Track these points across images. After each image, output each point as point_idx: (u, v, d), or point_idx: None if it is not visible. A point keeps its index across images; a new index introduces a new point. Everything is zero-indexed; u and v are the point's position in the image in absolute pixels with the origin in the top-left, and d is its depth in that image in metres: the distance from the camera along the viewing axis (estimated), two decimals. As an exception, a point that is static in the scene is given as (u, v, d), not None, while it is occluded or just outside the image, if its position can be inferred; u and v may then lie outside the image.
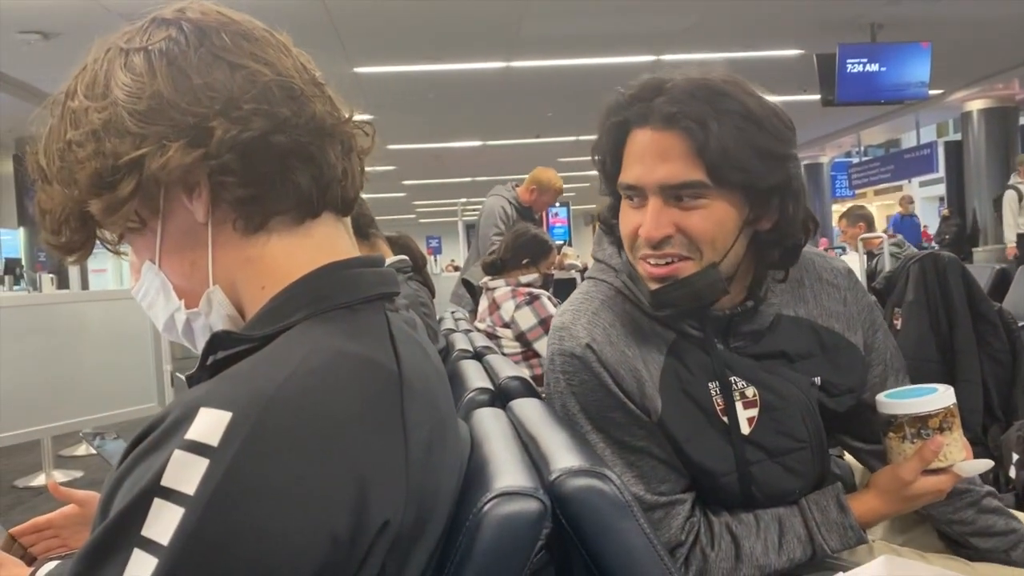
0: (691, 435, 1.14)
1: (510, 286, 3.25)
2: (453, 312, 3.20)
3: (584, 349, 1.12)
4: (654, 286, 1.11)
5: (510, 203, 4.95)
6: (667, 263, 1.10)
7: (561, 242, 8.50)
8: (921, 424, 1.12)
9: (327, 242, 0.78)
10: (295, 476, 0.60)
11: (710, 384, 1.15)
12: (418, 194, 19.49)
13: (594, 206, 25.01)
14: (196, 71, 0.72)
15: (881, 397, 1.17)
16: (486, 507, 0.70)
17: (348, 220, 1.49)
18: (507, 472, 0.75)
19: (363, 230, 2.20)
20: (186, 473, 0.58)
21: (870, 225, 5.27)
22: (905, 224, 11.73)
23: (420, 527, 0.69)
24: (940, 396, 1.13)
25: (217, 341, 0.73)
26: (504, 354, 3.14)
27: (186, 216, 0.75)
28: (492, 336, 3.19)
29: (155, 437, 0.62)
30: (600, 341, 1.12)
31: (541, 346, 3.16)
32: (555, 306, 3.26)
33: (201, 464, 0.59)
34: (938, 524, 1.34)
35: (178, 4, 0.77)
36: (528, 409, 1.12)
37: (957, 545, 1.33)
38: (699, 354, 1.16)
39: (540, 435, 0.93)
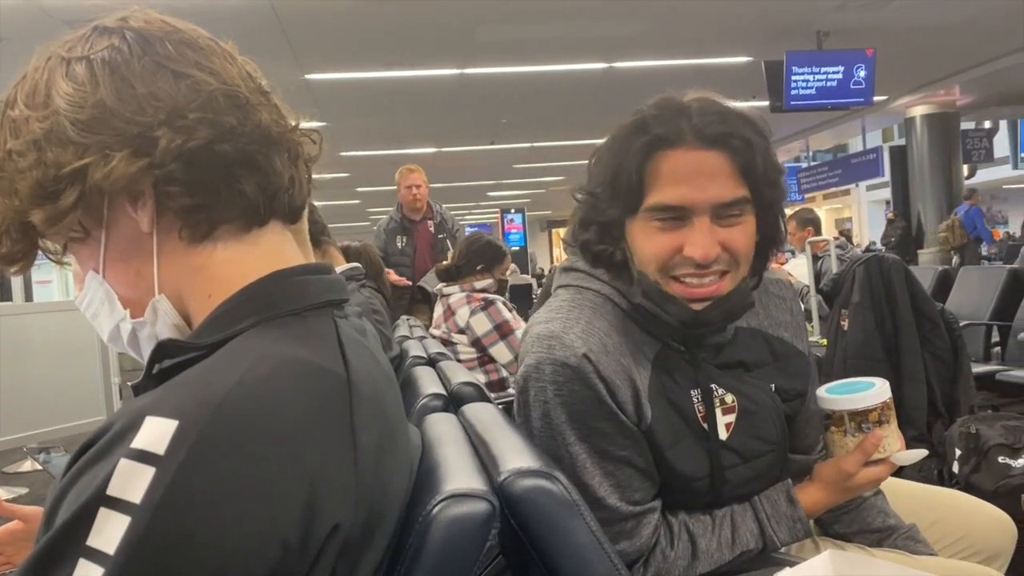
0: (674, 442, 1.17)
1: (465, 292, 3.26)
2: (408, 319, 3.20)
3: (580, 359, 1.11)
4: (697, 307, 1.14)
5: (391, 218, 5.07)
6: (710, 281, 1.13)
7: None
8: (861, 418, 1.17)
9: (274, 250, 0.78)
10: (243, 483, 0.60)
11: (692, 392, 1.19)
12: (373, 201, 19.37)
13: (549, 212, 25.13)
14: (140, 80, 0.72)
15: (821, 392, 1.22)
16: (435, 509, 0.70)
17: (304, 227, 1.49)
18: (457, 474, 0.76)
19: (315, 237, 2.19)
20: (132, 482, 0.58)
21: (817, 228, 5.37)
22: (972, 213, 11.85)
23: (370, 530, 0.69)
24: (878, 391, 1.18)
25: (163, 350, 0.72)
26: (460, 360, 3.15)
27: (130, 225, 0.74)
28: (447, 342, 3.20)
29: (100, 447, 0.62)
30: (597, 351, 1.12)
31: (496, 351, 3.17)
32: (510, 311, 3.28)
33: (147, 473, 0.58)
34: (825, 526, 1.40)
35: (121, 13, 0.77)
36: (480, 413, 1.12)
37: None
38: (681, 363, 1.20)
39: (491, 438, 0.94)
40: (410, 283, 4.76)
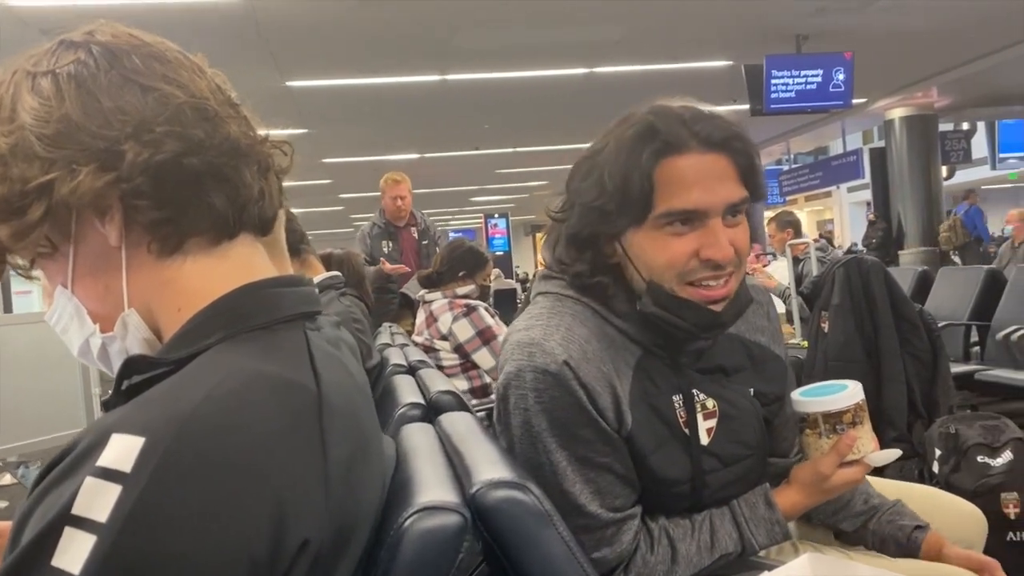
0: (656, 448, 1.17)
1: (447, 298, 3.27)
2: (390, 327, 3.20)
3: (561, 366, 1.11)
4: (716, 308, 1.15)
5: (373, 223, 5.07)
6: (725, 282, 1.15)
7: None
8: (835, 420, 1.19)
9: (244, 263, 0.78)
10: (210, 500, 0.60)
11: (674, 397, 1.19)
12: (356, 207, 19.33)
13: (533, 217, 25.14)
14: (106, 94, 0.72)
15: (795, 396, 1.23)
16: (407, 522, 0.70)
17: (280, 236, 1.48)
18: (429, 487, 0.76)
19: (293, 246, 2.17)
20: (98, 500, 0.58)
21: (797, 231, 5.40)
22: (972, 213, 11.99)
23: (342, 545, 0.69)
24: (851, 393, 1.20)
25: (131, 365, 0.72)
26: (442, 367, 3.15)
27: (98, 240, 0.74)
28: (430, 349, 3.20)
29: (66, 465, 0.61)
30: (577, 358, 1.12)
31: (479, 357, 3.17)
32: (493, 317, 3.28)
33: (113, 491, 0.58)
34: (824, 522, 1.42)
35: (88, 27, 0.77)
36: (457, 423, 1.12)
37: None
38: (663, 368, 1.20)
39: (465, 448, 0.94)
40: (409, 270, 4.75)
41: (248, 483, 0.62)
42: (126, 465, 0.59)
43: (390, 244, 5.06)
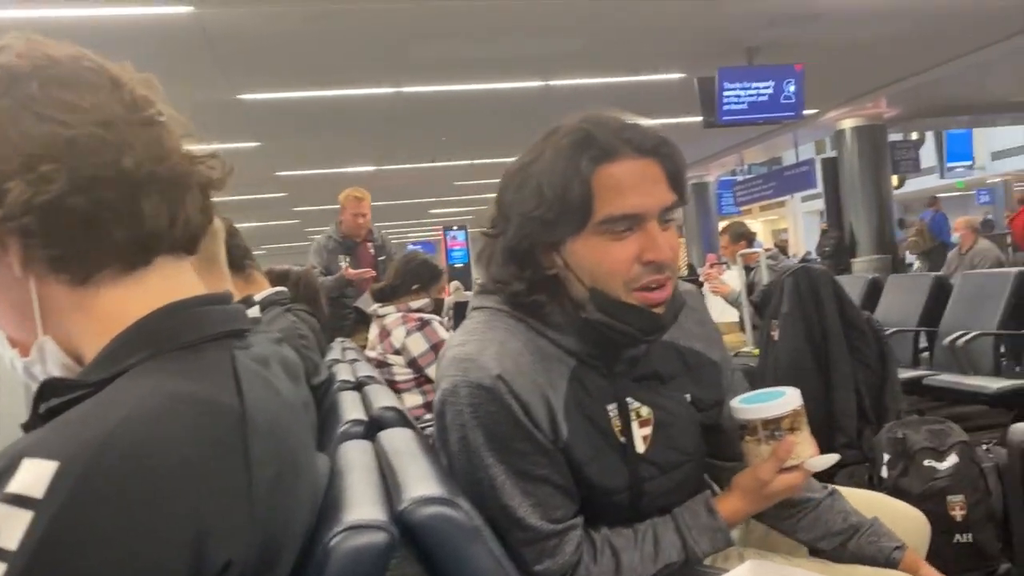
0: (592, 457, 1.18)
1: (400, 312, 3.25)
2: (342, 342, 3.17)
3: (495, 380, 1.11)
4: (658, 311, 1.17)
5: (329, 237, 5.03)
6: (666, 285, 1.17)
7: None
8: (773, 426, 1.20)
9: (166, 284, 0.76)
10: (126, 525, 0.59)
11: (608, 406, 1.20)
12: (312, 221, 19.16)
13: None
14: None
15: (735, 403, 1.25)
16: (334, 541, 0.70)
17: (217, 251, 1.45)
18: (358, 504, 0.75)
19: (237, 262, 2.13)
20: (8, 528, 0.56)
21: (750, 242, 5.48)
22: (938, 219, 12.22)
23: (268, 565, 0.68)
24: (789, 399, 1.21)
25: (48, 388, 0.71)
26: (396, 381, 3.13)
27: (6, 269, 0.73)
28: (383, 364, 3.17)
29: None
30: (511, 371, 1.13)
31: (433, 371, 3.16)
32: (447, 331, 3.27)
33: (24, 517, 0.57)
34: (786, 534, 1.41)
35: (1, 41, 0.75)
36: (396, 439, 1.12)
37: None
38: (597, 378, 1.21)
39: (399, 465, 0.93)
40: (374, 273, 4.71)
41: (166, 506, 0.61)
42: (38, 491, 0.57)
43: (347, 259, 5.02)
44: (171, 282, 0.77)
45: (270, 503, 0.68)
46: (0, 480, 0.59)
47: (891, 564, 1.31)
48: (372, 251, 5.06)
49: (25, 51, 0.74)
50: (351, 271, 4.72)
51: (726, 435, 1.35)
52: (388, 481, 0.88)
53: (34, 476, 0.58)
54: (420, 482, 0.84)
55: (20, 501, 0.57)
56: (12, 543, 0.56)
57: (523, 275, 1.18)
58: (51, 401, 0.71)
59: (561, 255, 1.17)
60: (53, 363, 0.75)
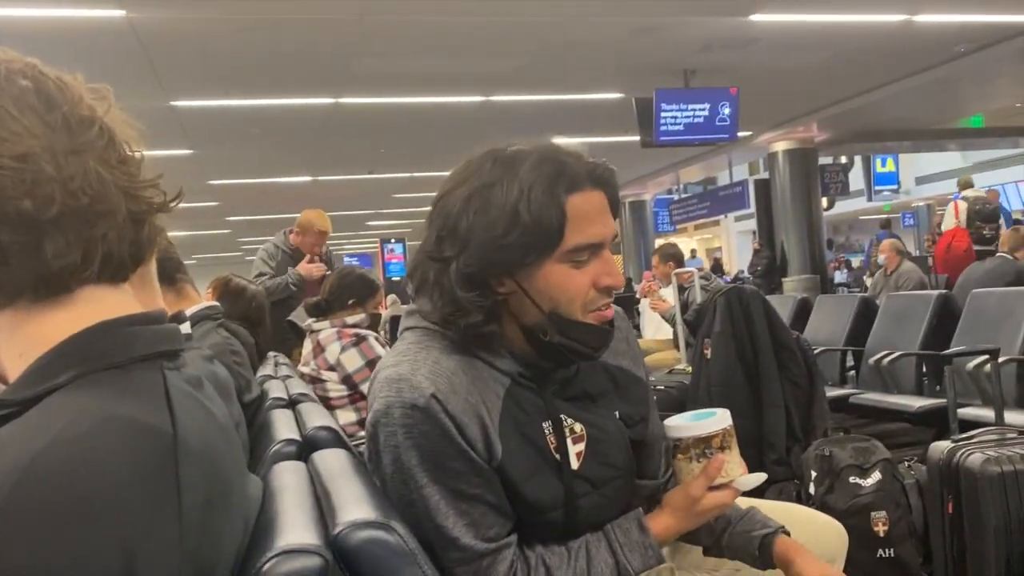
0: (528, 475, 1.18)
1: (335, 328, 3.20)
2: (275, 356, 3.12)
3: (428, 399, 1.11)
4: (608, 328, 1.23)
5: (278, 247, 4.99)
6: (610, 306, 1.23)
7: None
8: (705, 445, 1.24)
9: (92, 305, 0.74)
10: (53, 551, 0.57)
11: (543, 424, 1.21)
12: (244, 231, 18.85)
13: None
14: None
15: (668, 422, 1.27)
16: (266, 566, 0.69)
17: (151, 268, 1.42)
18: (292, 529, 0.74)
19: (168, 275, 2.07)
20: None
21: (679, 262, 5.58)
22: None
23: (199, 592, 0.67)
24: (719, 419, 1.25)
25: None
26: (329, 398, 3.09)
27: None
28: (317, 380, 3.13)
29: None
30: (444, 391, 1.12)
31: (368, 388, 3.12)
32: (384, 347, 3.24)
33: None
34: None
35: None
36: (330, 460, 1.10)
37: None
38: (531, 396, 1.22)
39: (334, 487, 0.92)
40: (329, 271, 4.70)
41: (94, 533, 0.59)
42: None
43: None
44: (98, 303, 0.74)
45: (201, 528, 0.67)
46: None
47: (764, 549, 1.32)
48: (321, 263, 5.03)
49: None
50: (305, 265, 4.71)
51: (647, 452, 1.38)
52: (322, 504, 0.87)
53: None
54: (354, 505, 0.83)
55: None
56: None
57: (482, 302, 1.16)
58: None
59: (516, 280, 1.18)
60: None
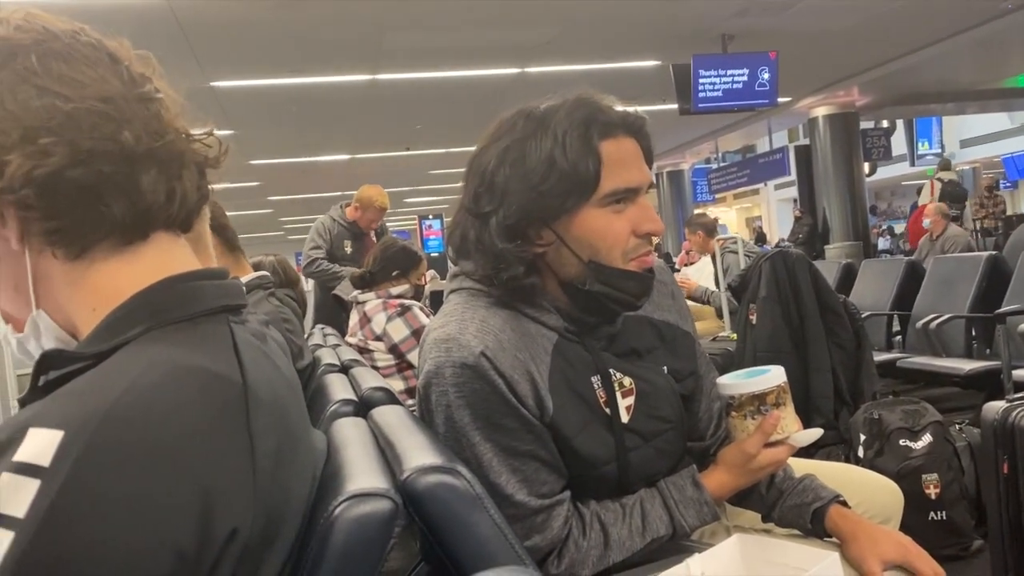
0: (580, 429, 1.19)
1: (380, 299, 3.23)
2: (322, 328, 3.16)
3: (478, 357, 1.12)
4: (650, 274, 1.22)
5: (335, 220, 5.02)
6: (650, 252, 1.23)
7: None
8: (759, 402, 1.23)
9: (161, 260, 0.76)
10: (133, 492, 0.59)
11: (592, 378, 1.22)
12: (285, 210, 19.04)
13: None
14: None
15: (722, 380, 1.27)
16: (337, 510, 0.70)
17: (204, 231, 1.44)
18: (359, 475, 0.75)
19: (232, 243, 2.19)
20: (15, 496, 0.56)
21: (709, 231, 5.51)
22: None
23: (271, 535, 0.69)
24: (774, 375, 1.24)
25: (47, 360, 0.70)
26: (377, 367, 3.12)
27: (2, 243, 0.72)
28: (364, 350, 3.16)
29: None
30: (493, 348, 1.13)
31: (414, 357, 3.15)
32: (428, 316, 3.26)
33: (31, 486, 0.57)
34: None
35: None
36: (388, 415, 1.12)
37: None
38: (579, 351, 1.22)
39: (396, 438, 0.94)
40: None
41: (172, 474, 0.61)
42: (44, 459, 0.57)
43: (351, 245, 5.04)
44: (167, 257, 0.77)
45: (272, 474, 0.68)
46: (6, 449, 0.59)
47: (816, 521, 1.28)
48: (374, 239, 5.07)
49: (24, 24, 0.73)
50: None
51: (696, 407, 1.38)
52: (387, 454, 0.89)
53: (40, 445, 0.58)
54: (420, 452, 0.84)
55: (27, 470, 0.57)
56: (20, 511, 0.56)
57: (523, 254, 1.17)
58: (50, 374, 0.71)
59: (555, 230, 1.18)
60: (47, 337, 0.75)
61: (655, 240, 1.24)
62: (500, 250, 1.17)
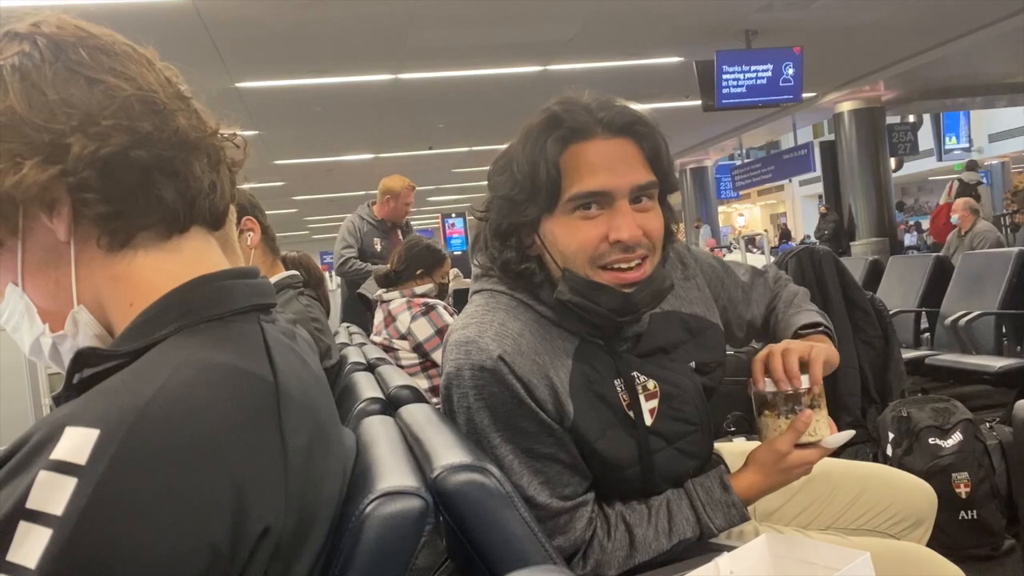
0: (602, 433, 1.18)
1: (405, 297, 3.24)
2: (348, 327, 3.17)
3: (496, 361, 1.12)
4: (628, 291, 1.17)
5: (363, 218, 5.02)
6: (636, 265, 1.17)
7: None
8: (794, 401, 1.21)
9: (196, 256, 0.78)
10: (168, 489, 0.59)
11: (615, 382, 1.21)
12: (310, 210, 19.15)
13: (490, 216, 25.04)
14: (51, 86, 0.71)
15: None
16: (368, 508, 0.70)
17: (231, 232, 1.46)
18: (390, 473, 0.76)
19: (274, 245, 2.21)
20: (53, 494, 0.57)
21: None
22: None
23: (303, 532, 0.69)
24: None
25: (82, 358, 0.71)
26: (402, 366, 3.14)
27: (47, 235, 0.73)
28: (389, 349, 3.18)
29: (18, 459, 0.60)
30: (511, 352, 1.14)
31: (439, 356, 3.15)
32: (452, 315, 3.27)
33: (68, 483, 0.57)
34: None
35: (33, 18, 0.76)
36: (416, 414, 1.12)
37: None
38: (602, 355, 1.22)
39: (425, 436, 0.94)
40: None
41: (206, 472, 0.61)
42: (81, 457, 0.58)
43: (381, 243, 5.04)
44: (201, 255, 0.78)
45: (304, 472, 0.69)
46: (43, 448, 0.59)
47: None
48: (401, 236, 5.08)
49: (63, 24, 0.75)
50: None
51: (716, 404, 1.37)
52: (416, 452, 0.89)
53: (77, 443, 0.59)
54: (449, 450, 0.84)
55: (64, 468, 0.58)
56: (58, 509, 0.57)
57: (509, 244, 1.22)
58: (84, 372, 0.72)
59: (539, 236, 1.20)
60: (85, 334, 0.76)
61: (637, 248, 1.17)
62: (492, 247, 1.23)
